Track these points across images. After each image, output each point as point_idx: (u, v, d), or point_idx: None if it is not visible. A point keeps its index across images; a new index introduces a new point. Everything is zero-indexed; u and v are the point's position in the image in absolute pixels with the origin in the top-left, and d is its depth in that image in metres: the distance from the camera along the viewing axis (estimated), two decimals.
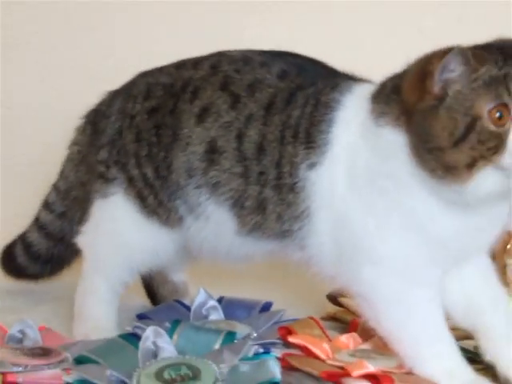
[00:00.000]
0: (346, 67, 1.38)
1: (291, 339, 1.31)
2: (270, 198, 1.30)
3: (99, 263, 1.45)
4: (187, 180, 1.35)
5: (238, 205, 1.32)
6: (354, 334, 1.36)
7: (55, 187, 1.59)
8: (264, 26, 2.09)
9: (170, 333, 1.27)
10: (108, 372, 1.15)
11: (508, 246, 1.67)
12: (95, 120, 1.48)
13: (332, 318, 1.49)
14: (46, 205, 1.61)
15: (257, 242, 1.34)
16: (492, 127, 1.14)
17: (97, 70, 1.93)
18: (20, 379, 1.17)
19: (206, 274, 1.61)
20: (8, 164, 1.91)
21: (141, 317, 1.47)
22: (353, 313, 1.46)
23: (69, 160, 1.56)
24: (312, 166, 1.28)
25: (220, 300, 1.50)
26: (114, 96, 1.47)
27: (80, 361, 1.21)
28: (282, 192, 1.30)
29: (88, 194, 1.45)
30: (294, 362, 1.25)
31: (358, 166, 1.25)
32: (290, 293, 1.66)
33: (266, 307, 1.50)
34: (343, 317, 1.48)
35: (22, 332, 1.32)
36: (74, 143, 1.54)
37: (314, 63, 1.38)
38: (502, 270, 1.68)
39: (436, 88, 1.16)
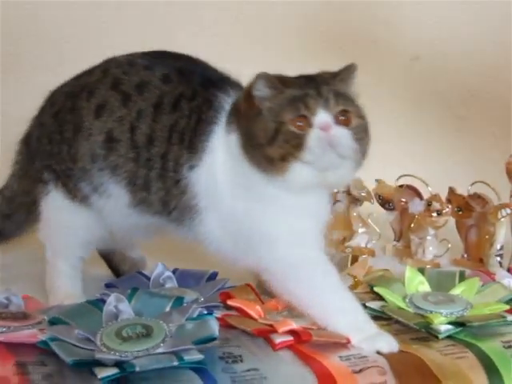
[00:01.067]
0: None
1: (230, 302, 1.34)
2: (154, 182, 1.38)
3: (56, 248, 1.50)
4: (91, 164, 1.41)
5: (131, 183, 1.39)
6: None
7: (1, 194, 1.64)
8: None
9: (130, 298, 1.28)
10: (76, 331, 1.16)
11: (412, 225, 1.72)
12: (26, 140, 1.55)
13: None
14: None
15: (143, 214, 1.42)
16: (294, 130, 1.26)
17: None
18: (1, 338, 1.18)
19: (163, 250, 1.65)
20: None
21: (108, 285, 1.49)
22: None
23: (13, 175, 1.62)
24: (192, 167, 1.35)
25: (174, 271, 1.51)
26: (35, 115, 1.53)
27: (53, 322, 1.22)
28: (167, 183, 1.37)
29: (34, 199, 1.52)
30: (232, 321, 1.28)
31: (228, 169, 1.34)
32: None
33: (213, 276, 1.51)
34: None
35: (7, 299, 1.33)
36: (16, 163, 1.60)
37: (192, 66, 1.45)
38: (407, 244, 1.75)
39: (256, 102, 1.28)
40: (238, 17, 2.13)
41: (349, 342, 1.23)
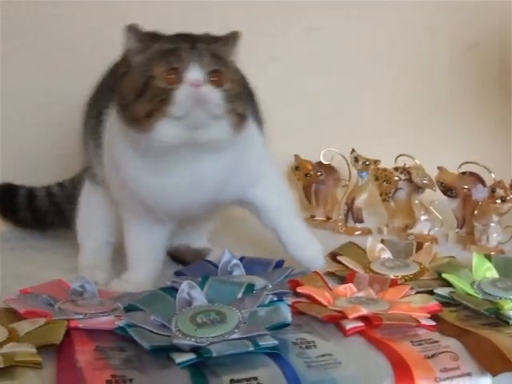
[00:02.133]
0: None
1: (299, 290, 1.35)
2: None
3: (83, 232, 1.59)
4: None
5: None
6: (351, 285, 1.39)
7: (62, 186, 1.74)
8: None
9: (201, 285, 1.29)
10: (151, 317, 1.18)
11: (475, 212, 1.71)
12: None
13: (332, 274, 1.51)
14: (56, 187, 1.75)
15: None
16: (163, 85, 1.24)
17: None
18: (81, 324, 1.20)
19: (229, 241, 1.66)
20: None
21: (178, 274, 1.51)
22: (349, 269, 1.51)
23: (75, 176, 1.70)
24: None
25: (241, 259, 1.52)
26: None
27: (129, 309, 1.24)
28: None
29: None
30: (302, 308, 1.29)
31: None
32: None
33: (279, 264, 1.52)
34: (341, 272, 1.51)
35: (82, 287, 1.35)
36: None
37: None
38: (470, 231, 1.74)
39: (126, 58, 1.29)
40: None
41: (419, 325, 1.23)
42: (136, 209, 1.42)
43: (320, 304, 1.31)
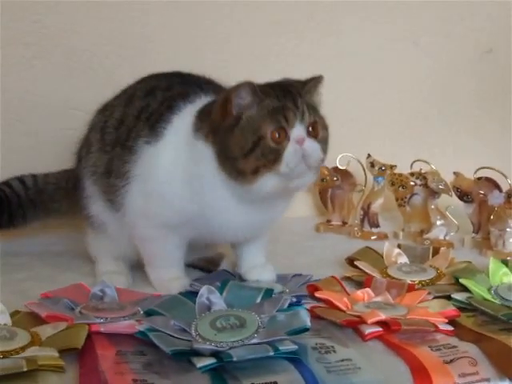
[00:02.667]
0: None
1: (317, 294, 1.36)
2: (115, 159, 1.45)
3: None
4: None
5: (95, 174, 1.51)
6: (368, 290, 1.39)
7: None
8: None
9: (220, 290, 1.30)
10: (172, 322, 1.18)
11: (491, 217, 1.71)
12: None
13: (349, 279, 1.52)
14: None
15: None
16: (272, 144, 1.29)
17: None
18: (102, 329, 1.20)
19: None
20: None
21: (196, 280, 1.49)
22: (366, 273, 1.51)
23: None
24: (148, 142, 1.41)
25: None
26: None
27: (149, 313, 1.25)
28: (124, 149, 1.43)
29: None
30: (320, 313, 1.29)
31: (178, 161, 1.38)
32: (315, 258, 1.70)
33: (297, 274, 1.51)
34: (358, 277, 1.51)
35: (102, 291, 1.36)
36: None
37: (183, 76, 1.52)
38: (486, 236, 1.74)
39: (234, 111, 1.30)
40: None
41: (437, 330, 1.24)
42: (186, 233, 1.44)
43: (338, 309, 1.31)
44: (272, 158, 1.30)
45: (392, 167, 1.91)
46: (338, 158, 1.94)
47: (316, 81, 1.40)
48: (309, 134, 1.33)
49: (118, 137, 1.47)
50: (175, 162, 1.38)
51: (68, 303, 1.30)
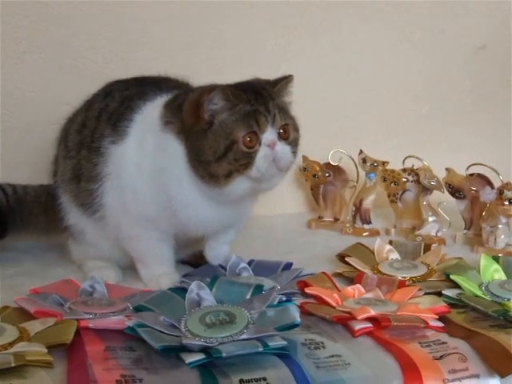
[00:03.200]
0: None
1: (307, 290, 1.36)
2: (83, 161, 1.46)
3: None
4: None
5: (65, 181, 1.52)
6: (359, 286, 1.39)
7: None
8: None
9: (210, 286, 1.30)
10: (161, 318, 1.18)
11: (483, 214, 1.71)
12: None
13: (340, 275, 1.51)
14: None
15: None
16: (245, 149, 1.31)
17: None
18: (91, 324, 1.20)
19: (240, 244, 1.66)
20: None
21: (186, 276, 1.50)
22: (357, 270, 1.51)
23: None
24: (113, 142, 1.42)
25: (250, 263, 1.52)
26: None
27: (138, 309, 1.24)
28: (91, 152, 1.45)
29: None
30: (311, 309, 1.29)
31: (145, 152, 1.39)
32: (307, 255, 1.69)
33: (288, 266, 1.52)
34: (349, 273, 1.51)
35: (91, 287, 1.36)
36: None
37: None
38: (478, 232, 1.74)
39: (206, 116, 1.32)
40: None
41: (427, 326, 1.23)
42: (165, 228, 1.45)
43: (328, 305, 1.31)
44: (244, 162, 1.32)
45: (384, 163, 1.91)
46: (330, 154, 1.94)
47: (287, 81, 1.40)
48: (280, 136, 1.35)
49: (81, 139, 1.48)
50: (142, 155, 1.40)
51: (57, 299, 1.29)
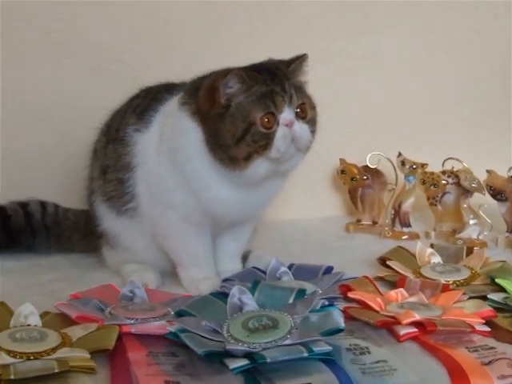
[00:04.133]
0: None
1: (351, 295, 1.34)
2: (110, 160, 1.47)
3: None
4: None
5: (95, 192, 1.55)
6: (402, 290, 1.38)
7: None
8: None
9: (252, 291, 1.29)
10: (203, 323, 1.17)
11: None
12: None
13: (381, 279, 1.50)
14: None
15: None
16: (263, 130, 1.30)
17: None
18: (133, 330, 1.20)
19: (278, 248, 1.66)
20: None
21: (225, 280, 1.48)
22: (399, 273, 1.49)
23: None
24: (137, 130, 1.44)
25: (290, 267, 1.51)
26: None
27: (180, 314, 1.24)
28: (116, 145, 1.46)
29: None
30: (354, 313, 1.28)
31: (164, 136, 1.40)
32: (346, 258, 1.68)
33: (329, 270, 1.50)
34: (391, 277, 1.50)
35: (131, 292, 1.36)
36: None
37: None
38: None
39: (222, 100, 1.31)
40: None
41: (474, 331, 1.22)
42: (197, 219, 1.43)
43: (372, 309, 1.30)
44: (263, 143, 1.31)
45: (423, 166, 1.89)
46: (368, 156, 1.93)
47: (301, 59, 1.39)
48: (297, 115, 1.34)
49: (107, 138, 1.50)
50: (161, 140, 1.41)
51: (98, 304, 1.29)
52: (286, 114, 1.32)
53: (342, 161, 1.95)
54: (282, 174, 1.40)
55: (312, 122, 1.37)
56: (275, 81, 1.34)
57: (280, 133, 1.32)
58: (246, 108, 1.31)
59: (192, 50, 1.92)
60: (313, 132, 1.37)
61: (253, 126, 1.31)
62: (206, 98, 1.35)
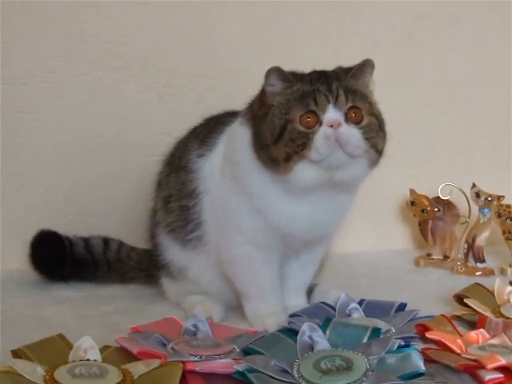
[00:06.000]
0: None
1: (429, 335, 1.27)
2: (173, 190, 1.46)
3: None
4: None
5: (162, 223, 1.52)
6: (482, 330, 1.31)
7: None
8: None
9: (323, 328, 1.23)
10: (272, 362, 1.12)
11: None
12: None
13: (458, 318, 1.43)
14: None
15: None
16: (301, 128, 1.25)
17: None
18: (198, 368, 1.14)
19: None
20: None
21: (293, 316, 1.42)
22: (477, 312, 1.42)
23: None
24: (200, 156, 1.42)
25: (360, 302, 1.45)
26: None
27: (247, 352, 1.19)
28: (179, 173, 1.44)
29: None
30: (434, 356, 1.21)
31: (227, 155, 1.37)
32: (417, 294, 1.61)
33: (401, 307, 1.44)
34: (469, 316, 1.43)
35: (194, 326, 1.31)
36: None
37: None
38: None
39: (268, 100, 1.29)
40: None
41: None
42: (265, 243, 1.38)
43: (452, 351, 1.23)
44: (301, 142, 1.25)
45: (499, 198, 1.82)
46: (440, 187, 1.87)
47: (362, 64, 1.33)
48: (347, 118, 1.27)
49: (170, 168, 1.49)
50: (225, 160, 1.38)
51: (159, 338, 1.24)
52: (331, 115, 1.26)
53: (412, 191, 1.89)
54: (341, 185, 1.31)
55: (368, 129, 1.28)
56: (321, 80, 1.29)
57: (321, 133, 1.25)
58: (286, 106, 1.28)
59: (254, 73, 1.87)
60: (368, 139, 1.28)
61: (289, 124, 1.26)
62: (257, 101, 1.33)
